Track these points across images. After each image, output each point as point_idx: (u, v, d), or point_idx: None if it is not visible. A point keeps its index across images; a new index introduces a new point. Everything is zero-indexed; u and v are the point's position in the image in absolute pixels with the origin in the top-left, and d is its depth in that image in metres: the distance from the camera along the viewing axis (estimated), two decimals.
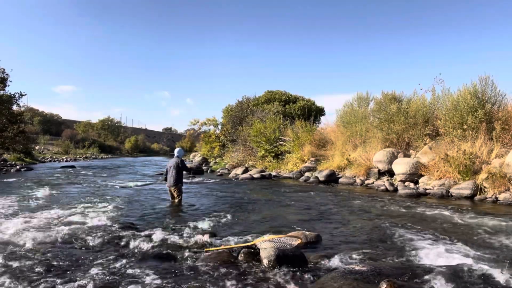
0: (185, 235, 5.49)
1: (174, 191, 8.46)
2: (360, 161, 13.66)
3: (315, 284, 3.58)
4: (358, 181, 12.66)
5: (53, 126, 58.21)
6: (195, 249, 4.74)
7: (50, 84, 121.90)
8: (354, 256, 4.49)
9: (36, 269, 3.94)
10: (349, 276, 3.52)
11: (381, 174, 12.68)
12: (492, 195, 8.94)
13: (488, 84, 11.64)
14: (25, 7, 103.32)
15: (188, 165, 15.25)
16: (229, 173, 17.78)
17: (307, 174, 14.93)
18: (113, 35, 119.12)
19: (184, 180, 9.97)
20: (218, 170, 19.79)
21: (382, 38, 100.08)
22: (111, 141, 63.69)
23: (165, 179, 8.72)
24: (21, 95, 25.85)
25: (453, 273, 3.68)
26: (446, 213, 7.29)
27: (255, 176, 15.45)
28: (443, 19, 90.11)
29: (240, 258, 4.31)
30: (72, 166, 24.18)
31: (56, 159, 33.97)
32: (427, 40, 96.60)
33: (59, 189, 11.31)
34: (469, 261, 4.21)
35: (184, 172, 8.98)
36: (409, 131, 13.24)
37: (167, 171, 8.63)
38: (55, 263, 4.17)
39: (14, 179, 14.68)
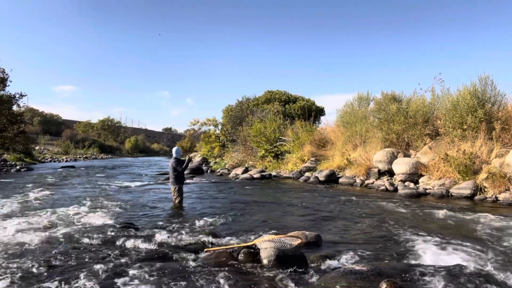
0: (185, 235, 5.49)
1: (173, 191, 8.45)
2: (360, 161, 13.66)
3: (315, 284, 3.58)
4: (358, 181, 12.66)
5: (53, 126, 58.23)
6: (195, 249, 4.74)
7: (50, 84, 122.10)
8: (354, 256, 4.49)
9: (36, 269, 3.94)
10: (349, 276, 3.52)
11: (381, 174, 12.68)
12: (492, 195, 8.94)
13: (487, 84, 11.64)
14: (25, 7, 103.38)
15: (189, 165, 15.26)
16: (229, 173, 17.78)
17: (307, 174, 14.93)
18: (113, 35, 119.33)
19: (188, 181, 9.96)
20: (218, 170, 19.79)
21: (382, 38, 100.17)
22: (111, 141, 63.71)
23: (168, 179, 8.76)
24: (21, 96, 25.93)
25: (453, 273, 3.69)
26: (446, 213, 7.28)
27: (255, 176, 15.45)
28: (443, 19, 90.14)
29: (240, 258, 4.32)
30: (72, 166, 24.18)
31: (56, 159, 33.96)
32: (427, 40, 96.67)
33: (59, 190, 11.31)
34: (469, 261, 4.22)
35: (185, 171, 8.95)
36: (409, 131, 13.24)
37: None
38: (55, 263, 4.17)
39: (14, 179, 14.68)
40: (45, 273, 3.84)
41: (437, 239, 5.28)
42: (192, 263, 4.19)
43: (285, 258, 4.09)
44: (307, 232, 5.26)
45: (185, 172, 8.85)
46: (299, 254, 4.24)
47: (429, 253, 4.59)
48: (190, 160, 8.76)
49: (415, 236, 5.45)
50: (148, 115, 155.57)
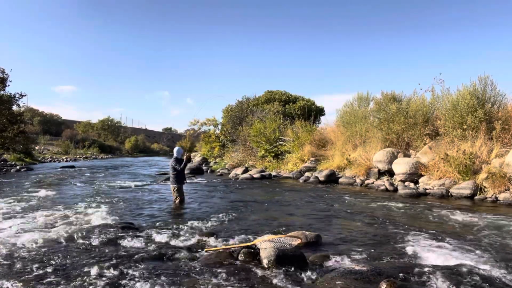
0: (185, 235, 5.49)
1: (173, 191, 8.46)
2: (360, 161, 13.66)
3: (315, 284, 3.58)
4: (358, 181, 12.66)
5: (53, 126, 58.21)
6: (195, 249, 4.74)
7: (50, 84, 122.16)
8: (354, 256, 4.49)
9: (36, 270, 3.94)
10: (349, 276, 3.53)
11: (381, 174, 12.68)
12: (492, 195, 8.94)
13: (487, 84, 11.63)
14: (25, 7, 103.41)
15: (188, 165, 15.24)
16: (229, 173, 17.78)
17: (307, 174, 14.93)
18: (113, 35, 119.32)
19: (188, 181, 9.93)
20: (218, 170, 19.79)
21: (382, 38, 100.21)
22: (111, 141, 63.70)
23: None
24: (21, 96, 25.96)
25: (453, 273, 3.69)
26: (446, 213, 7.29)
27: (255, 176, 15.45)
28: (443, 19, 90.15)
29: (240, 258, 4.32)
30: (72, 166, 24.17)
31: (56, 159, 33.96)
32: (427, 40, 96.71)
33: (59, 189, 11.31)
34: (469, 261, 4.22)
35: (186, 171, 8.93)
36: (409, 131, 13.24)
37: None
38: (55, 263, 4.17)
39: (14, 179, 14.68)
40: (45, 273, 3.84)
41: (437, 239, 5.28)
42: (192, 263, 4.19)
43: (285, 258, 4.09)
44: (307, 232, 5.26)
45: (185, 172, 8.82)
46: (299, 254, 4.24)
47: (429, 253, 4.59)
48: (188, 160, 8.67)
49: (415, 236, 5.46)
50: (148, 115, 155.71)
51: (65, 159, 34.85)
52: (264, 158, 19.80)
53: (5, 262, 4.18)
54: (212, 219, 6.74)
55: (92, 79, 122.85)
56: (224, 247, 4.68)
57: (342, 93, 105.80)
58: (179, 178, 8.40)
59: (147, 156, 59.13)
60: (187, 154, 8.73)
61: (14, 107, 26.31)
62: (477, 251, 4.64)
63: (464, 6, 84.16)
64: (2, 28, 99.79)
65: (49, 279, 3.67)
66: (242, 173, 16.43)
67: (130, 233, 5.52)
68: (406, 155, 12.68)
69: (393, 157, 12.42)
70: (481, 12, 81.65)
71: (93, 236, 5.29)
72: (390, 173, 12.42)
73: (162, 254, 4.51)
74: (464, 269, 3.80)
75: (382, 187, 11.29)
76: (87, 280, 3.63)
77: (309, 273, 3.88)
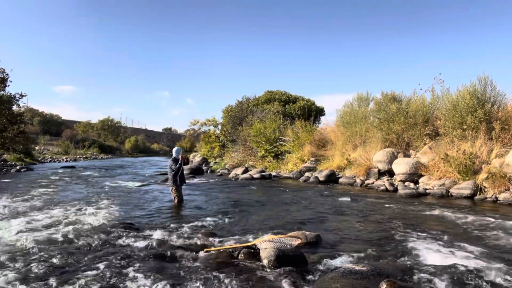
0: (185, 235, 5.49)
1: (172, 191, 8.45)
2: (360, 161, 13.66)
3: (315, 284, 3.58)
4: (358, 181, 12.66)
5: (53, 126, 58.19)
6: (195, 249, 4.74)
7: (50, 84, 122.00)
8: (354, 256, 4.49)
9: (36, 269, 3.94)
10: (349, 276, 3.52)
11: (381, 174, 12.68)
12: (492, 195, 8.94)
13: (487, 84, 11.63)
14: (25, 7, 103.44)
15: (189, 165, 15.28)
16: (229, 173, 17.78)
17: (307, 174, 14.93)
18: (113, 35, 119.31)
19: (187, 181, 9.87)
20: (218, 170, 19.79)
21: (382, 38, 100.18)
22: (111, 141, 63.69)
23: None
24: (21, 96, 25.94)
25: (453, 273, 3.69)
26: (446, 213, 7.29)
27: (255, 176, 15.45)
28: (443, 19, 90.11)
29: (240, 258, 4.32)
30: (72, 167, 24.15)
31: (56, 160, 33.94)
32: (427, 40, 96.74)
33: (59, 190, 11.30)
34: (469, 260, 4.22)
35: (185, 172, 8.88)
36: (409, 131, 13.25)
37: None
38: (55, 263, 4.17)
39: (14, 180, 14.68)
40: (45, 273, 3.84)
41: (437, 239, 5.28)
42: (192, 263, 4.20)
43: (285, 258, 4.09)
44: (307, 232, 5.26)
45: (185, 172, 8.78)
46: (299, 254, 4.24)
47: (429, 253, 4.59)
48: (181, 165, 8.48)
49: (415, 236, 5.46)
50: (148, 115, 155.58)
51: (65, 159, 34.84)
52: (264, 158, 19.80)
53: (5, 262, 4.18)
54: (212, 219, 6.74)
55: (92, 79, 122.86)
56: (224, 247, 4.68)
57: (342, 93, 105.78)
58: (178, 179, 8.37)
59: (147, 156, 59.12)
60: (182, 156, 8.50)
61: (14, 107, 26.30)
62: (477, 251, 4.64)
63: (464, 6, 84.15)
64: (2, 28, 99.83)
65: (49, 279, 3.67)
66: (242, 173, 16.43)
67: (130, 233, 5.52)
68: (406, 155, 12.68)
69: (393, 157, 12.42)
70: (481, 12, 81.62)
71: (93, 236, 5.29)
72: (390, 173, 12.42)
73: (161, 254, 4.51)
74: (464, 269, 3.80)
75: (382, 187, 11.29)
76: (87, 280, 3.63)
77: (309, 273, 3.88)
